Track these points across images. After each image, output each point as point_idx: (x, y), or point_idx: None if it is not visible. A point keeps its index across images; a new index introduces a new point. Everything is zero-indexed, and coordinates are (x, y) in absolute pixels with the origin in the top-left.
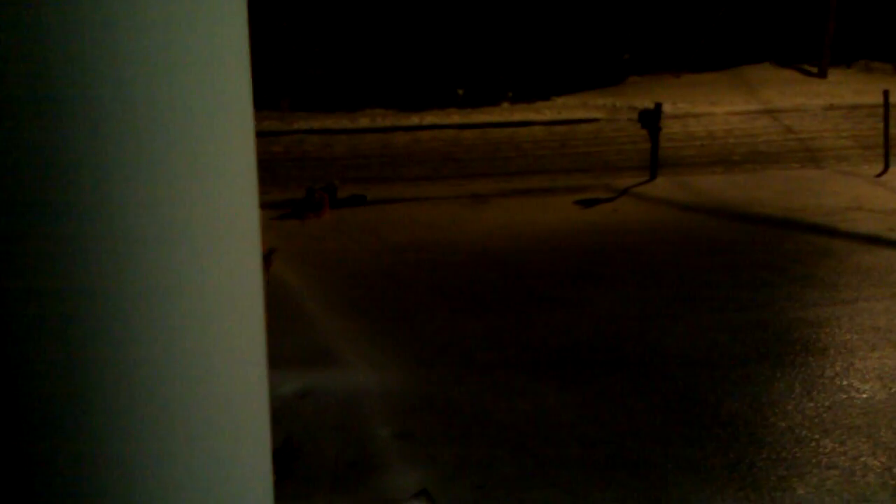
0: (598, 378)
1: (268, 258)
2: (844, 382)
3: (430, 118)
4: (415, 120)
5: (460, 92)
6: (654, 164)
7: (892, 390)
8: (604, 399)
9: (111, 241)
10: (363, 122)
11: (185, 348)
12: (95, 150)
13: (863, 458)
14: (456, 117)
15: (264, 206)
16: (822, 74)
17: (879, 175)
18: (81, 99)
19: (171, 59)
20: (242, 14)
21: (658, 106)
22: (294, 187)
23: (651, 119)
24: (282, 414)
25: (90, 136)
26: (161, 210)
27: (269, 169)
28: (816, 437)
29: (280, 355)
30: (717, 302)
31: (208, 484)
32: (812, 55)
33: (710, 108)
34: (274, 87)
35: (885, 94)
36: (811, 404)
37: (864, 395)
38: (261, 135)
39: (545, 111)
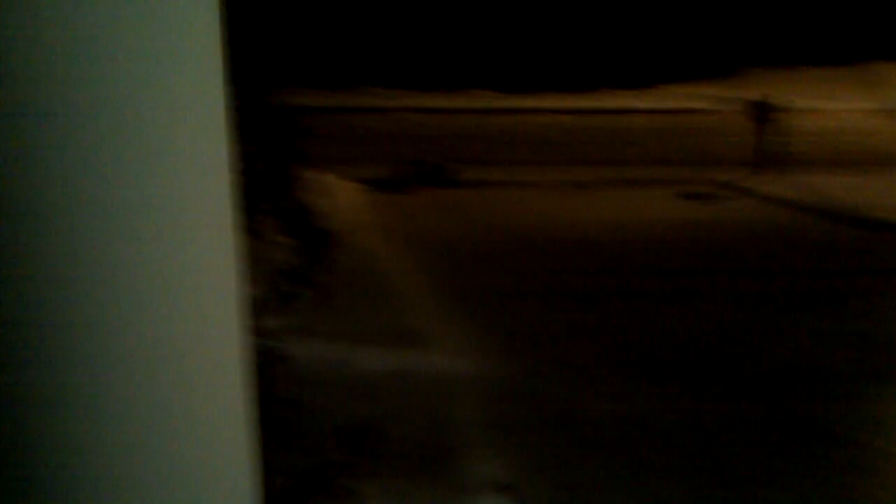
0: (695, 382)
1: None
2: None
3: (529, 101)
4: (514, 103)
5: (562, 76)
6: (762, 160)
7: None
8: (699, 405)
9: (79, 235)
10: (462, 102)
11: (158, 341)
12: (58, 146)
13: None
14: (556, 101)
15: (358, 181)
16: None
17: None
18: (40, 93)
19: (138, 45)
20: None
21: (769, 99)
22: (390, 164)
23: (760, 112)
24: (370, 393)
25: (54, 131)
26: (128, 201)
27: (367, 145)
28: None
29: (372, 333)
30: (826, 309)
31: (187, 479)
32: None
33: (826, 104)
34: (366, 64)
35: None
36: None
37: None
38: (361, 111)
39: (649, 99)
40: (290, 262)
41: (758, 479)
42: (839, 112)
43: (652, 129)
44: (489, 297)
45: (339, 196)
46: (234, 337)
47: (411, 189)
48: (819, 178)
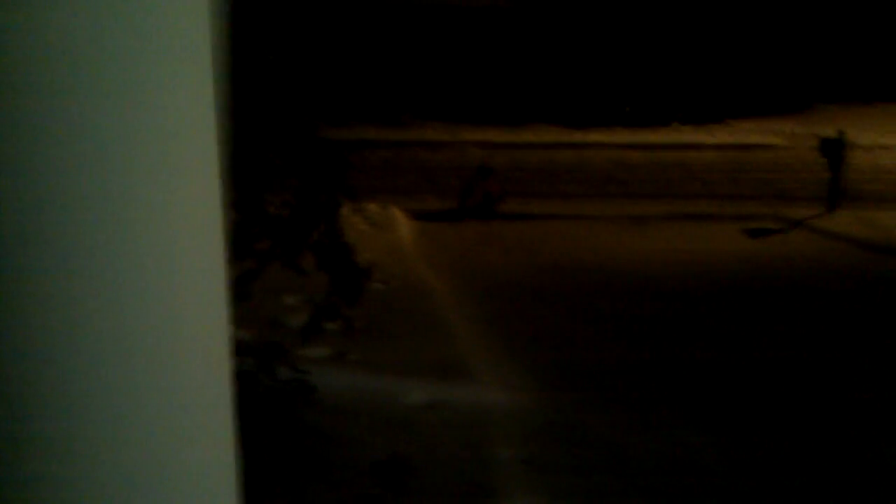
0: (746, 422)
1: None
2: None
3: (594, 136)
4: (579, 137)
5: (628, 109)
6: (835, 197)
7: None
8: (749, 445)
9: (65, 236)
10: (527, 136)
11: (144, 347)
12: (48, 147)
13: None
14: (622, 136)
15: (416, 213)
16: None
17: None
18: (27, 94)
19: (128, 50)
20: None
21: (842, 134)
22: (451, 197)
23: (834, 148)
24: (406, 424)
25: (40, 130)
26: (116, 207)
27: (430, 178)
28: None
29: (413, 364)
30: (892, 355)
31: (165, 487)
32: None
33: None
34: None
35: None
36: None
37: None
38: (425, 145)
39: (718, 134)
40: (326, 295)
41: None
42: None
43: (722, 164)
44: (543, 333)
45: (396, 228)
46: (219, 340)
47: (469, 220)
48: (894, 217)
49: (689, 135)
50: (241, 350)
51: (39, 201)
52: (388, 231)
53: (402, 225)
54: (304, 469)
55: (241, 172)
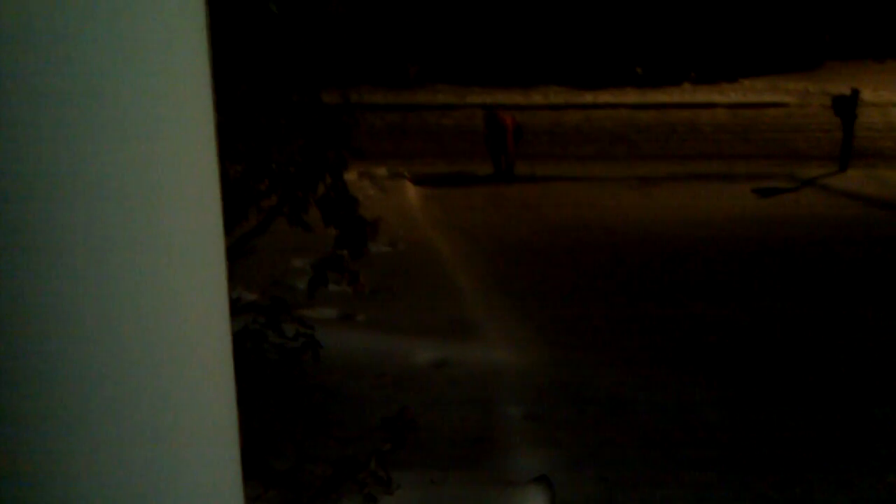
0: (753, 380)
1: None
2: None
3: (605, 97)
4: (589, 98)
5: (639, 70)
6: (847, 155)
7: None
8: (754, 403)
9: (67, 238)
10: (536, 98)
11: (146, 346)
12: (46, 145)
13: None
14: (633, 96)
15: (427, 176)
16: None
17: None
18: (24, 92)
19: (123, 45)
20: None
21: (855, 92)
22: (459, 160)
23: (846, 106)
24: (413, 383)
25: (37, 130)
26: (115, 205)
27: (439, 141)
28: None
29: (421, 324)
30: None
31: (172, 486)
32: None
33: None
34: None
35: None
36: None
37: None
38: (434, 108)
39: (730, 93)
40: (332, 248)
41: (801, 470)
42: None
43: (733, 123)
44: (550, 292)
45: (404, 192)
46: (219, 336)
47: (478, 183)
48: None
49: (700, 94)
50: (247, 308)
51: (36, 203)
52: (395, 195)
53: (410, 189)
54: (312, 425)
55: (246, 132)
